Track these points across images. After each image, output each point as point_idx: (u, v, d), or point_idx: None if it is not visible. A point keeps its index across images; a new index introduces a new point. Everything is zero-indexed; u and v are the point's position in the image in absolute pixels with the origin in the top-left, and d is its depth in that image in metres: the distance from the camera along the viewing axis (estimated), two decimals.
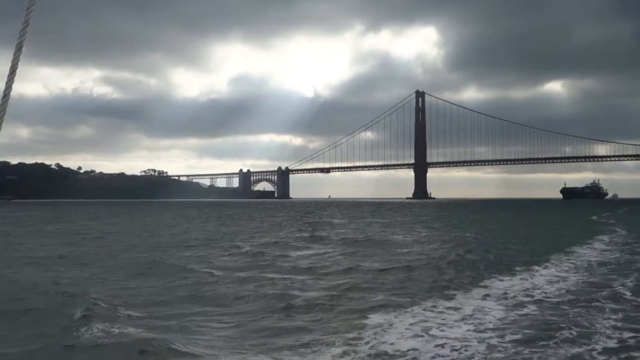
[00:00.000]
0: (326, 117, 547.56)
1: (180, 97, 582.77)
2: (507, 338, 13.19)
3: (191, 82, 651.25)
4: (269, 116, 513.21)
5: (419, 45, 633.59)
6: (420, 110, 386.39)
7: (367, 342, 12.93)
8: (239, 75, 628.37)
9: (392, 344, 12.73)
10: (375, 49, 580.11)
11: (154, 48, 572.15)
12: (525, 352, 12.04)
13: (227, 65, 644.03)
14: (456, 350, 12.26)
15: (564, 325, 14.24)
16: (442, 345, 12.56)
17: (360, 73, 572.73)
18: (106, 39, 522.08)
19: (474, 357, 11.77)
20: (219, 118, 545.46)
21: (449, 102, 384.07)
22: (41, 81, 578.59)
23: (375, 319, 15.25)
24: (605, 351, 12.15)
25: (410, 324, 14.60)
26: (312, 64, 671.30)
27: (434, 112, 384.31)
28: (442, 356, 11.90)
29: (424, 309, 16.48)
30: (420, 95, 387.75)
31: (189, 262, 28.05)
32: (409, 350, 12.27)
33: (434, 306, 16.91)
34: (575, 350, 12.19)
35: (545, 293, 19.18)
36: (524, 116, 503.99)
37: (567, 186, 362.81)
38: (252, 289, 19.94)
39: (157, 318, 15.76)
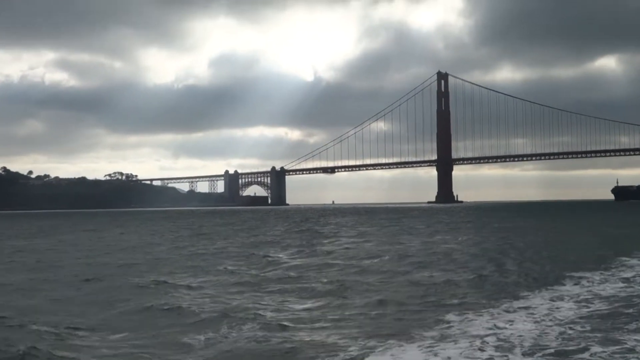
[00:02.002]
0: (329, 105, 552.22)
1: (152, 83, 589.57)
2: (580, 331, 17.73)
3: (164, 64, 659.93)
4: (260, 105, 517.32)
5: (440, 14, 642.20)
6: (443, 95, 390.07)
7: (453, 334, 17.50)
8: (222, 55, 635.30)
9: (476, 336, 17.25)
10: (389, 20, 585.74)
11: (120, 23, 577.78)
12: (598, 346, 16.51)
13: (208, 43, 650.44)
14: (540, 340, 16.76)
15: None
16: (523, 339, 17.02)
17: (371, 50, 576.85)
18: (61, 13, 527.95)
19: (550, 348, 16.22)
20: (199, 108, 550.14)
21: (478, 85, 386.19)
22: None
23: (452, 317, 19.91)
24: None
25: (487, 320, 19.22)
26: (311, 40, 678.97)
27: (459, 97, 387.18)
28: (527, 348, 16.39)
29: (497, 311, 21.15)
30: (442, 76, 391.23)
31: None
32: (491, 342, 16.80)
33: (506, 308, 21.64)
34: None
35: (612, 296, 23.82)
36: (570, 100, 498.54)
37: (619, 185, 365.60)
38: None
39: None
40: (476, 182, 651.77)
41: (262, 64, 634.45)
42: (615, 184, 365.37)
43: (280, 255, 43.23)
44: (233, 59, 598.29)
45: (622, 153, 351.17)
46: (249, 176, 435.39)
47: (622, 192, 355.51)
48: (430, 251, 44.35)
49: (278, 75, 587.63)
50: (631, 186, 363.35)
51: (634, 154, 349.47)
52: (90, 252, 49.25)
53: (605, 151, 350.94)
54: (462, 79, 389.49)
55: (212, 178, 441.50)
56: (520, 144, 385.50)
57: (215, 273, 33.59)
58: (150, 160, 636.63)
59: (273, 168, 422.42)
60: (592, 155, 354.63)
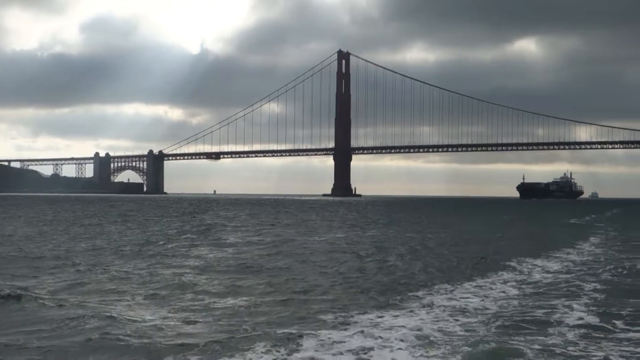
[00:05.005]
0: (216, 83, 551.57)
1: (11, 49, 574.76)
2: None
3: (28, 28, 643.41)
4: (137, 79, 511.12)
5: None
6: (343, 77, 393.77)
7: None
8: (96, 19, 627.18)
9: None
10: None
11: None
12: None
13: (80, 5, 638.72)
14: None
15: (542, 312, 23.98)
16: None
17: (266, 21, 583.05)
18: None
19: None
20: (66, 80, 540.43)
21: (382, 67, 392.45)
22: None
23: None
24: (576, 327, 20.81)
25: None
26: (199, 6, 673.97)
27: (361, 79, 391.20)
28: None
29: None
30: (343, 56, 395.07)
31: None
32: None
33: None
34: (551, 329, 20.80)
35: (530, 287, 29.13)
36: (485, 87, 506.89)
37: (525, 181, 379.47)
38: None
39: None
40: (376, 175, 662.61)
41: (141, 31, 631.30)
42: (522, 181, 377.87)
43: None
44: (108, 25, 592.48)
45: (534, 147, 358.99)
46: (123, 160, 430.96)
47: (528, 190, 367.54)
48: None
49: (160, 45, 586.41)
50: (538, 183, 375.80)
51: (548, 148, 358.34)
52: None
53: (517, 144, 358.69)
54: (365, 60, 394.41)
55: (79, 161, 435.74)
56: (426, 133, 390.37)
57: None
58: (5, 138, 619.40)
59: (150, 152, 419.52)
60: (503, 148, 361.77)
